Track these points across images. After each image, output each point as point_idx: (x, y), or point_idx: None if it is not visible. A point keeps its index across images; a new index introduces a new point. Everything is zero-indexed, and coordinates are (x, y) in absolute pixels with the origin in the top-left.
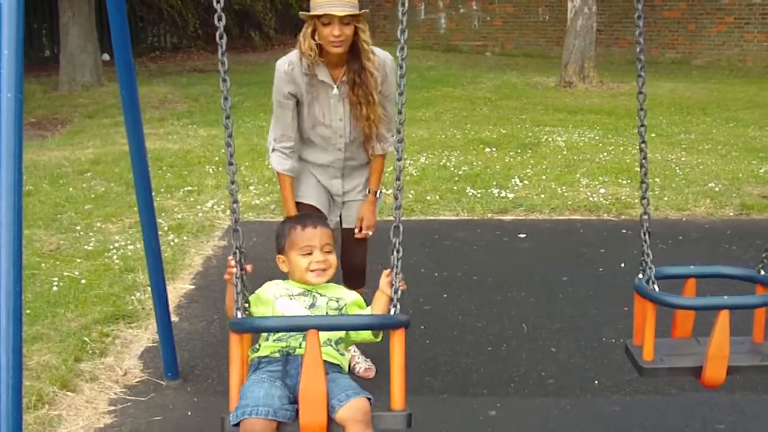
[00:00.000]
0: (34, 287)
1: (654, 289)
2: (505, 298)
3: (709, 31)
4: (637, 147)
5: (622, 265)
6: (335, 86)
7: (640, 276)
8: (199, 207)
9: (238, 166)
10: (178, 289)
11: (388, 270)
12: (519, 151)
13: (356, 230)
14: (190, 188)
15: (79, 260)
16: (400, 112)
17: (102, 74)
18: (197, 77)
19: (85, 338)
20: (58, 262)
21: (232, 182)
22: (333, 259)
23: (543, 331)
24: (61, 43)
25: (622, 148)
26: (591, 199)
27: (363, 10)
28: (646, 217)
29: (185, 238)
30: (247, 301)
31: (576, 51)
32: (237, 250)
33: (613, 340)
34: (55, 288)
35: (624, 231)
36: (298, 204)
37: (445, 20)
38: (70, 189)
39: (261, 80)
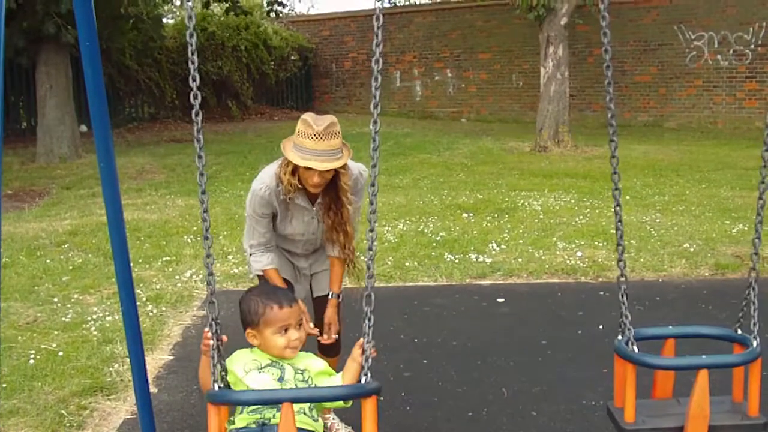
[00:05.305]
0: (10, 360)
1: (634, 350)
2: (485, 363)
3: (679, 94)
4: (612, 210)
5: (600, 327)
6: (313, 210)
7: (620, 337)
8: (177, 277)
9: (217, 235)
10: (157, 359)
11: (362, 339)
12: (496, 215)
13: (324, 336)
14: (168, 258)
15: (56, 332)
16: (371, 203)
17: (79, 146)
18: (175, 147)
19: (63, 411)
20: (35, 335)
21: (208, 256)
22: (304, 332)
23: (523, 396)
24: (38, 114)
25: (597, 211)
26: (568, 262)
27: (344, 159)
28: (623, 279)
29: (164, 308)
30: (224, 370)
31: (550, 116)
32: (213, 322)
33: (593, 403)
34: (32, 361)
35: (602, 293)
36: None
37: (420, 88)
38: (48, 261)
39: (238, 150)
